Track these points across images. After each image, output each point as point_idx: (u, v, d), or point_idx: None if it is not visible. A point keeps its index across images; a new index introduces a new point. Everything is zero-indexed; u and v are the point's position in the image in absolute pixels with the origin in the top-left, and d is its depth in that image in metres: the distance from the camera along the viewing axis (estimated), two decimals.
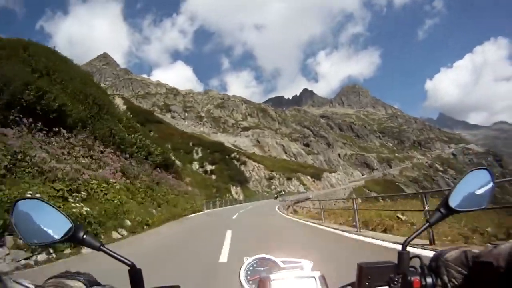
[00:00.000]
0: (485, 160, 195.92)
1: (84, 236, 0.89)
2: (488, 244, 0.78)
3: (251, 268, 1.15)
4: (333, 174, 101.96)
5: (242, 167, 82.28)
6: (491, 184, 0.96)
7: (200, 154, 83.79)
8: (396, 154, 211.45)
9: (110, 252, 0.90)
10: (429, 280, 0.86)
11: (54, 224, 0.89)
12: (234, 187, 71.76)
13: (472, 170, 0.99)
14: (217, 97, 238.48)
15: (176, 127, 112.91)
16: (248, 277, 1.12)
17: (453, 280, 0.82)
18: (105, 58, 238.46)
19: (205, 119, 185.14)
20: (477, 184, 0.97)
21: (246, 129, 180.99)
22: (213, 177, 74.82)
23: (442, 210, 0.95)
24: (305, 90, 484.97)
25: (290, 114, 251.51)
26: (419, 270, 0.88)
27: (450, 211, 0.94)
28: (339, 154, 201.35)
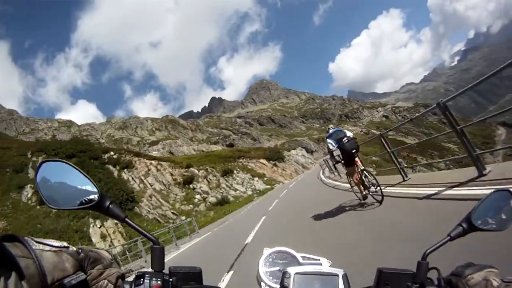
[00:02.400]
0: (418, 112, 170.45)
1: (110, 206, 0.83)
2: (508, 281, 0.76)
3: (270, 259, 1.08)
4: (293, 151, 58.29)
5: (124, 175, 35.02)
6: None
7: None
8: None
9: (134, 225, 0.86)
10: None
11: (80, 190, 0.81)
12: (96, 224, 24.10)
13: (496, 191, 0.94)
14: (119, 121, 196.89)
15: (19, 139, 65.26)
16: (267, 268, 1.05)
17: None
18: None
19: (105, 144, 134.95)
20: (500, 204, 0.93)
21: (154, 143, 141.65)
22: None
23: (464, 225, 0.91)
24: (213, 98, 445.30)
25: (204, 122, 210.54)
26: (436, 282, 0.85)
27: (472, 228, 0.90)
28: (269, 147, 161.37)
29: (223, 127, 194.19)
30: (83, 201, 0.81)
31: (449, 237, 0.90)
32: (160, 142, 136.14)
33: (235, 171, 43.03)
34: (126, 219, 0.84)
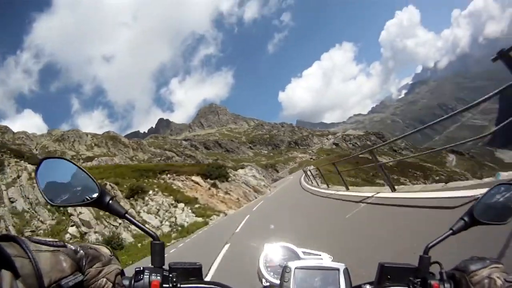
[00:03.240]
0: (369, 140, 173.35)
1: (110, 202, 0.82)
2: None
3: (271, 255, 1.07)
4: (241, 170, 44.82)
5: None
6: None
7: None
8: (277, 158, 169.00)
9: (134, 221, 0.84)
10: (447, 286, 0.81)
11: (80, 187, 0.81)
12: None
13: (498, 184, 0.93)
14: (59, 133, 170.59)
15: None
16: (267, 264, 1.04)
17: None
18: None
19: (38, 156, 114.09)
20: (502, 197, 0.91)
21: (89, 159, 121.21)
22: None
23: (466, 219, 0.89)
24: (161, 119, 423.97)
25: (147, 142, 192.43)
26: (438, 276, 0.83)
27: (474, 222, 0.88)
28: (209, 162, 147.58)
29: (167, 148, 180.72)
30: (84, 198, 0.80)
31: (451, 231, 0.88)
32: (96, 159, 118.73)
33: (150, 192, 27.93)
34: (126, 214, 0.83)
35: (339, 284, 0.85)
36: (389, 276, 0.87)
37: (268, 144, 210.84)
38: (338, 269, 0.88)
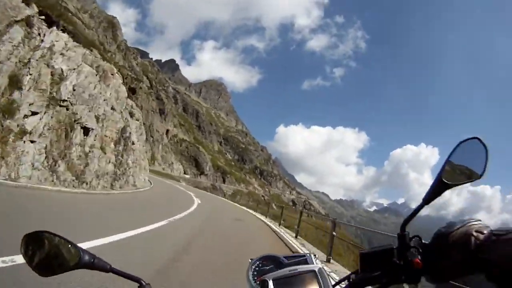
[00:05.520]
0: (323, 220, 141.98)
1: (93, 261, 0.84)
2: (491, 231, 0.70)
3: (257, 268, 1.05)
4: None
5: None
6: (484, 152, 0.82)
7: None
8: (233, 170, 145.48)
9: (120, 272, 0.85)
10: (430, 259, 0.77)
11: (63, 253, 0.84)
12: None
13: (461, 142, 0.86)
14: None
15: None
16: (256, 278, 1.02)
17: (454, 260, 0.72)
18: None
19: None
20: (469, 155, 0.84)
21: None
22: None
23: (435, 186, 0.84)
24: (172, 60, 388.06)
25: (141, 62, 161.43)
26: (420, 250, 0.80)
27: (445, 186, 0.83)
28: (167, 130, 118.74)
29: (150, 76, 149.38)
30: (70, 262, 0.82)
31: (422, 202, 0.85)
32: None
33: None
34: (111, 268, 0.84)
35: (320, 284, 0.85)
36: (371, 262, 0.84)
37: (237, 153, 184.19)
38: (314, 271, 0.88)
